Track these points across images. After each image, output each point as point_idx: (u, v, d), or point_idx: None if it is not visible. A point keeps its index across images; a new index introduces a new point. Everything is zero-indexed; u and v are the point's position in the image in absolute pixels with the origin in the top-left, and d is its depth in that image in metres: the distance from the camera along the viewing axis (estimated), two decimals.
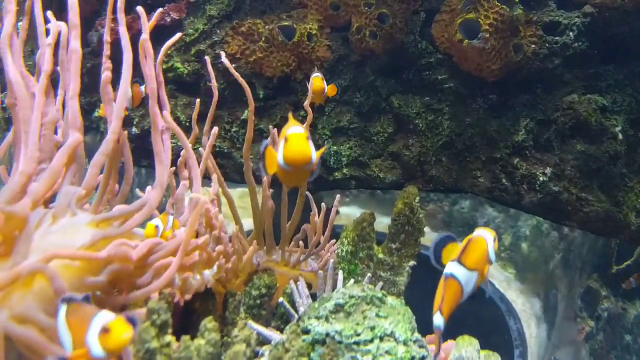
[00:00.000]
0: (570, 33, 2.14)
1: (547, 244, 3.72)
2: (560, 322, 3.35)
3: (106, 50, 1.20)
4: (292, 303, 1.54)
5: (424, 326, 1.64)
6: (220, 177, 1.75)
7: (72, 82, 1.15)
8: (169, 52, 2.35)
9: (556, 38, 2.15)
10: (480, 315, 3.23)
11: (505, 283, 3.58)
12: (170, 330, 0.99)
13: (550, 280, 3.62)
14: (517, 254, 3.77)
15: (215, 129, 1.56)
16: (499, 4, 2.03)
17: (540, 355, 3.17)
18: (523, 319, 3.29)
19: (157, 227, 1.13)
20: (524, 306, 3.45)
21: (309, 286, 1.64)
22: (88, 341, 0.78)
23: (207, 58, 1.71)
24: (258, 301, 1.54)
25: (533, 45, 2.13)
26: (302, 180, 1.07)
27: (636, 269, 3.19)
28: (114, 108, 1.12)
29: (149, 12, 2.37)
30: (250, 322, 1.42)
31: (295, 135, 0.98)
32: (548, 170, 2.18)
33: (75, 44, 1.18)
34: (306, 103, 1.84)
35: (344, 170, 2.34)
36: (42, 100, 1.04)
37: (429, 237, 3.98)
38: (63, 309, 0.82)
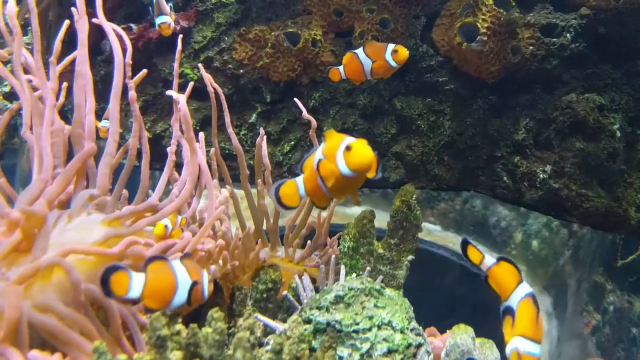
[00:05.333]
0: (567, 34, 2.19)
1: (557, 241, 3.76)
2: (568, 316, 3.39)
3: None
4: (297, 297, 1.62)
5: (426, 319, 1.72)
6: (227, 179, 1.85)
7: (88, 101, 1.25)
8: None
9: (553, 40, 2.20)
10: (491, 311, 3.28)
11: None
12: (180, 320, 1.07)
13: (560, 277, 3.66)
14: (528, 251, 3.81)
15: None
16: (496, 8, 2.09)
17: (551, 351, 3.21)
18: None
19: (166, 226, 1.22)
20: None
21: (313, 281, 1.72)
22: (204, 286, 1.11)
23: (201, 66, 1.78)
24: (265, 295, 1.62)
25: (531, 47, 2.19)
26: (357, 187, 1.15)
27: None
28: (110, 113, 1.22)
29: None
30: (257, 314, 1.50)
31: (359, 142, 1.05)
32: (548, 168, 2.24)
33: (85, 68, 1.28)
34: (304, 114, 1.90)
35: None
36: (51, 116, 1.14)
37: (441, 235, 4.03)
38: (178, 261, 1.08)
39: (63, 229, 1.08)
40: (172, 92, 1.44)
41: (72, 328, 0.96)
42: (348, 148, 1.04)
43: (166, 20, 1.92)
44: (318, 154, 1.12)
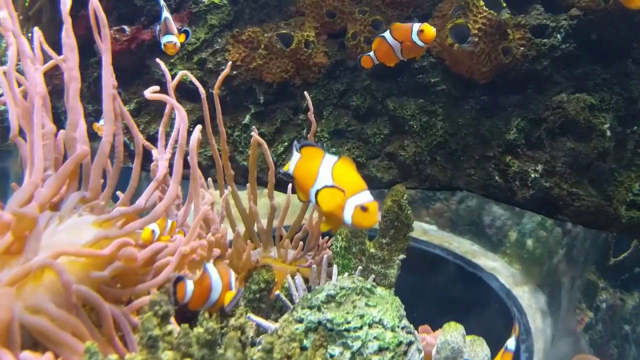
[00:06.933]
0: (558, 35, 2.21)
1: (551, 240, 3.78)
2: (562, 314, 3.42)
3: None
4: (290, 296, 1.63)
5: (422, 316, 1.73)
6: (220, 181, 1.86)
7: (77, 107, 1.27)
8: (172, 60, 2.45)
9: (544, 40, 2.22)
10: (488, 310, 3.31)
11: (511, 279, 3.66)
12: (172, 321, 1.08)
13: (554, 275, 3.68)
14: (523, 250, 3.83)
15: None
16: (487, 9, 2.11)
17: (545, 349, 3.23)
18: (529, 314, 3.36)
19: (153, 231, 1.23)
20: (529, 301, 3.52)
21: (306, 281, 1.73)
22: (232, 285, 1.23)
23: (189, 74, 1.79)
24: (257, 295, 1.63)
25: (522, 48, 2.21)
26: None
27: (633, 260, 3.25)
28: (104, 113, 1.23)
29: (153, 22, 2.50)
30: (250, 314, 1.51)
31: (374, 206, 1.10)
32: (539, 167, 2.26)
33: (75, 72, 1.29)
34: (310, 113, 1.90)
35: None
36: (40, 120, 1.15)
37: (436, 235, 4.05)
38: (210, 264, 1.21)
39: (54, 231, 1.09)
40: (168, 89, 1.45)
41: (64, 329, 0.97)
42: (364, 209, 1.09)
43: (172, 39, 1.93)
44: (326, 174, 1.14)
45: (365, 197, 1.11)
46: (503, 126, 2.30)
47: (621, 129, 2.23)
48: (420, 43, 1.80)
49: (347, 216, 1.11)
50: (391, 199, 1.72)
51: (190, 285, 1.18)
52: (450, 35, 2.19)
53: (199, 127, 1.44)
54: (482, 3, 2.12)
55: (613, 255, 3.29)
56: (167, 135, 1.62)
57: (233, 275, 1.24)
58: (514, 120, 2.30)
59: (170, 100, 1.43)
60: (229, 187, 1.79)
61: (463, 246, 3.97)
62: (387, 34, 1.86)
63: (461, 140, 2.34)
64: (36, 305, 0.97)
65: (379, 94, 2.42)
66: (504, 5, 2.18)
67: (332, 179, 1.14)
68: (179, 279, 1.17)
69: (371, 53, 1.93)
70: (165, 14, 1.99)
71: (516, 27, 2.21)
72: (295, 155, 1.23)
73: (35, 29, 1.35)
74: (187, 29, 2.13)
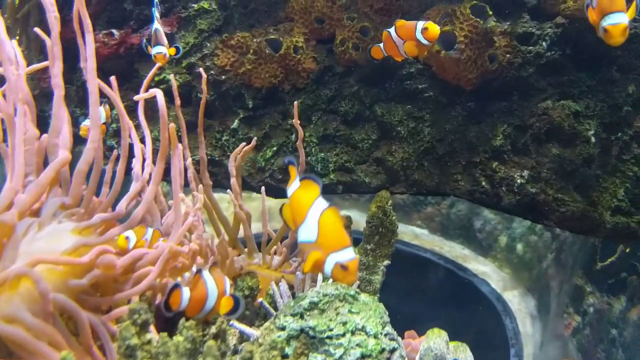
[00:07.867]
0: (543, 43, 2.22)
1: (540, 244, 3.80)
2: (551, 318, 3.43)
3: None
4: (274, 304, 1.64)
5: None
6: (208, 188, 1.86)
7: (61, 113, 1.27)
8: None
9: (530, 48, 2.23)
10: (478, 315, 3.32)
11: (501, 283, 3.67)
12: (151, 329, 1.08)
13: (544, 279, 3.70)
14: (513, 254, 3.84)
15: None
16: (473, 17, 2.13)
17: (535, 354, 3.24)
18: (519, 318, 3.37)
19: (127, 238, 1.23)
20: (519, 305, 3.53)
21: (291, 287, 1.73)
22: (227, 292, 1.22)
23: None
24: None
25: (508, 55, 2.22)
26: None
27: (619, 265, 3.27)
28: (91, 118, 1.23)
29: (142, 26, 2.51)
30: (233, 322, 1.51)
31: (355, 264, 1.10)
32: (525, 173, 2.27)
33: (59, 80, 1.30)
34: (295, 120, 1.90)
35: (331, 176, 2.43)
36: (23, 125, 1.15)
37: (427, 239, 4.05)
38: (206, 271, 1.21)
39: (33, 238, 1.09)
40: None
41: (40, 338, 0.97)
42: (344, 268, 1.09)
43: (162, 50, 1.97)
44: (313, 220, 1.14)
45: (347, 255, 1.10)
46: (489, 132, 2.32)
47: (606, 136, 2.25)
48: (424, 41, 1.78)
49: (327, 270, 1.11)
50: (376, 204, 1.73)
51: (186, 293, 1.18)
52: (437, 42, 2.20)
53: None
54: (468, 11, 2.13)
55: (600, 259, 3.31)
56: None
57: (228, 282, 1.24)
58: (500, 127, 2.31)
59: (155, 91, 1.43)
60: (202, 196, 1.79)
61: (454, 250, 3.99)
62: (392, 30, 1.85)
63: (448, 146, 2.35)
64: (12, 315, 0.97)
65: (367, 100, 2.42)
66: (490, 13, 2.19)
67: (317, 228, 1.14)
68: (175, 287, 1.17)
69: (382, 44, 1.94)
70: (156, 25, 2.02)
71: (502, 34, 2.22)
72: (296, 182, 1.22)
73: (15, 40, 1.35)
74: (179, 45, 2.16)
